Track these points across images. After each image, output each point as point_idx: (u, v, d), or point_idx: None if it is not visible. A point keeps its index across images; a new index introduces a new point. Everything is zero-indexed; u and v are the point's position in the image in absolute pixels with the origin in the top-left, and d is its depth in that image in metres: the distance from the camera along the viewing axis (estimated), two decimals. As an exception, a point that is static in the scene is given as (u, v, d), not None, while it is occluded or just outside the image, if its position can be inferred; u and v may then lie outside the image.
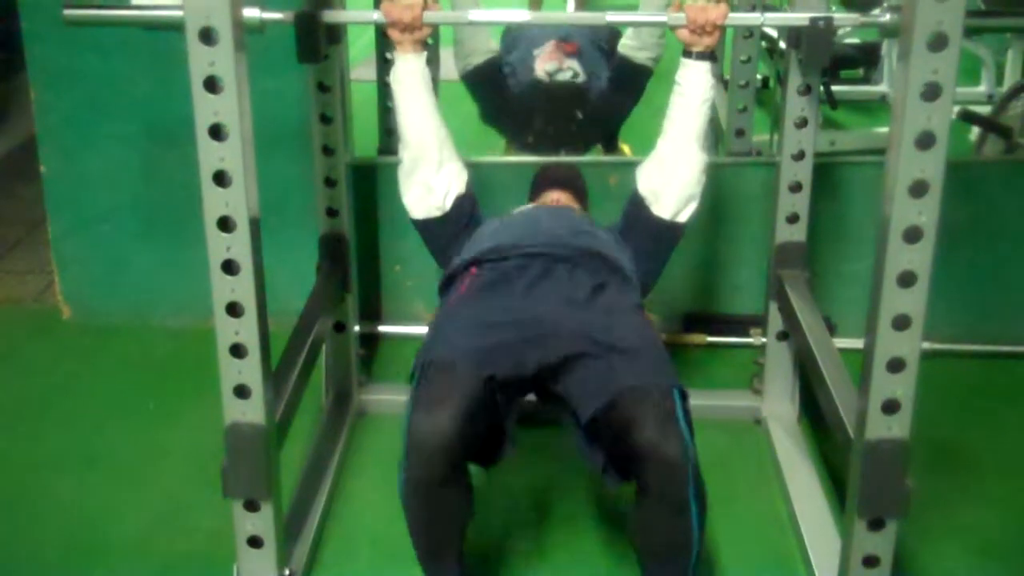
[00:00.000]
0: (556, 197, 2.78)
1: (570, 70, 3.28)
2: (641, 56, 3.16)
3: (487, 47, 3.24)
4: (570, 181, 2.87)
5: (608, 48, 3.34)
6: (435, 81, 3.47)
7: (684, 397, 2.09)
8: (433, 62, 3.43)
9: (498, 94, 3.29)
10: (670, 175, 2.46)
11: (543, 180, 2.88)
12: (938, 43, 1.70)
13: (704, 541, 2.09)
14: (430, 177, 2.49)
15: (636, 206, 2.53)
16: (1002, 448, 2.82)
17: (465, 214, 2.55)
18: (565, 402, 2.20)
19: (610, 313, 2.26)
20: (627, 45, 3.20)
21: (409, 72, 2.46)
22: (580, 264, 2.35)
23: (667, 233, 2.52)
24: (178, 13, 1.84)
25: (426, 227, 2.56)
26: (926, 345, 1.89)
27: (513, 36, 3.41)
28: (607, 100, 3.30)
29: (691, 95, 2.43)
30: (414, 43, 2.42)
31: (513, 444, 2.20)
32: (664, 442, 1.97)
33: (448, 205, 2.52)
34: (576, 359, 2.17)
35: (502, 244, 2.41)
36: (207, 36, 1.81)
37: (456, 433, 1.98)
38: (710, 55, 2.41)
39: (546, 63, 3.28)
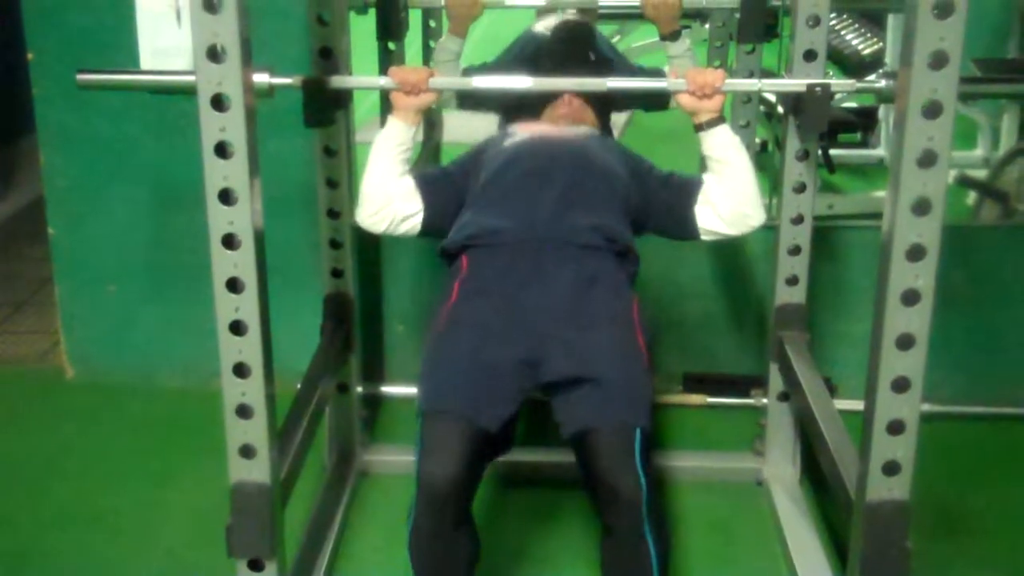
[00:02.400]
0: (568, 99, 2.64)
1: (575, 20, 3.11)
2: (676, 65, 3.06)
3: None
4: (586, 75, 2.67)
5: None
6: (437, 144, 3.55)
7: (646, 436, 2.15)
8: (437, 125, 3.49)
9: (495, 65, 3.14)
10: (725, 208, 2.42)
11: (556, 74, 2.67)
12: (933, 111, 1.73)
13: (667, 571, 2.19)
14: (397, 209, 2.45)
15: (687, 186, 2.47)
16: (1002, 510, 2.82)
17: (443, 190, 2.49)
18: (555, 411, 2.25)
19: (594, 328, 2.26)
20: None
21: (396, 138, 2.44)
22: (570, 255, 2.33)
23: (684, 226, 2.48)
24: (190, 78, 1.88)
25: (431, 229, 2.50)
26: (926, 407, 1.90)
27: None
28: (619, 65, 3.10)
29: (729, 157, 2.40)
30: (415, 112, 2.43)
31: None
32: (619, 481, 2.09)
33: (422, 202, 2.46)
34: (558, 385, 2.22)
35: (494, 227, 2.38)
36: (218, 102, 1.84)
37: (462, 479, 2.10)
38: (718, 120, 2.40)
39: (547, 20, 3.12)
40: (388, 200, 2.43)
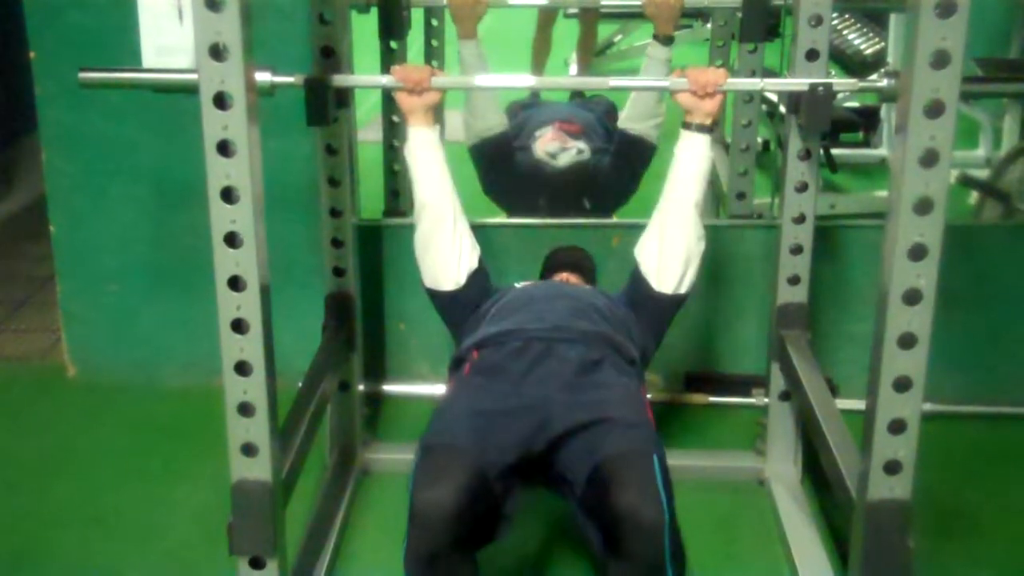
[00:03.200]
0: (565, 277, 2.82)
1: (574, 148, 3.29)
2: (639, 127, 3.18)
3: (499, 120, 3.24)
4: (579, 264, 2.91)
5: (612, 127, 3.36)
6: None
7: (663, 462, 2.14)
8: (438, 124, 3.48)
9: (505, 170, 3.30)
10: (669, 251, 2.51)
11: (553, 263, 2.93)
12: (935, 110, 1.73)
13: None
14: (447, 249, 2.53)
15: (638, 283, 2.58)
16: (1003, 509, 2.82)
17: (479, 289, 2.59)
18: (564, 479, 2.25)
19: (602, 389, 2.31)
20: (626, 117, 3.21)
21: (424, 145, 2.50)
22: (579, 342, 2.39)
23: (670, 306, 2.58)
24: (192, 77, 1.88)
25: (442, 299, 2.60)
26: (927, 406, 1.90)
27: (518, 119, 3.43)
28: (610, 178, 3.31)
29: (689, 169, 2.47)
30: (424, 112, 2.45)
31: (508, 527, 2.22)
32: (642, 506, 2.03)
33: (463, 279, 2.56)
34: (568, 436, 2.22)
35: (506, 329, 2.44)
36: (220, 101, 1.84)
37: (458, 506, 2.04)
38: (708, 128, 2.44)
39: (547, 144, 3.28)
40: (461, 242, 2.54)
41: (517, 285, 2.70)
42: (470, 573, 2.17)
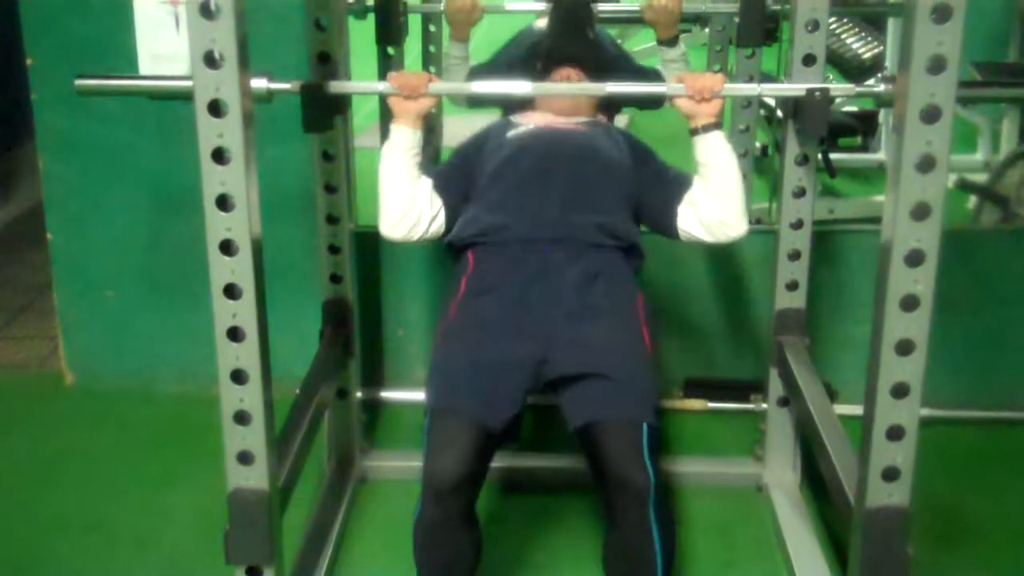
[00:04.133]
0: (566, 74, 2.60)
1: None
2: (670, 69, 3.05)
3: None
4: (584, 49, 2.68)
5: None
6: (437, 149, 3.54)
7: (653, 432, 2.18)
8: (435, 131, 3.49)
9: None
10: (711, 214, 2.41)
11: (555, 51, 2.66)
12: (931, 115, 1.72)
13: (671, 568, 2.20)
14: (423, 213, 2.46)
15: (677, 184, 2.48)
16: (1002, 514, 2.81)
17: (456, 184, 2.51)
18: (560, 406, 2.29)
19: (601, 321, 2.30)
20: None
21: (404, 143, 2.42)
22: (576, 250, 2.37)
23: (665, 223, 2.49)
24: (187, 84, 1.87)
25: (452, 226, 2.51)
26: (925, 412, 1.89)
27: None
28: (627, 64, 3.12)
29: (720, 164, 2.39)
30: (416, 117, 2.43)
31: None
32: (628, 473, 2.12)
33: (442, 200, 2.47)
34: (564, 380, 2.26)
35: (500, 223, 2.41)
36: (215, 108, 1.83)
37: (467, 475, 2.14)
38: (716, 124, 2.39)
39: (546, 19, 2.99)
40: (411, 204, 2.45)
41: (509, 134, 2.55)
42: (476, 545, 2.25)
